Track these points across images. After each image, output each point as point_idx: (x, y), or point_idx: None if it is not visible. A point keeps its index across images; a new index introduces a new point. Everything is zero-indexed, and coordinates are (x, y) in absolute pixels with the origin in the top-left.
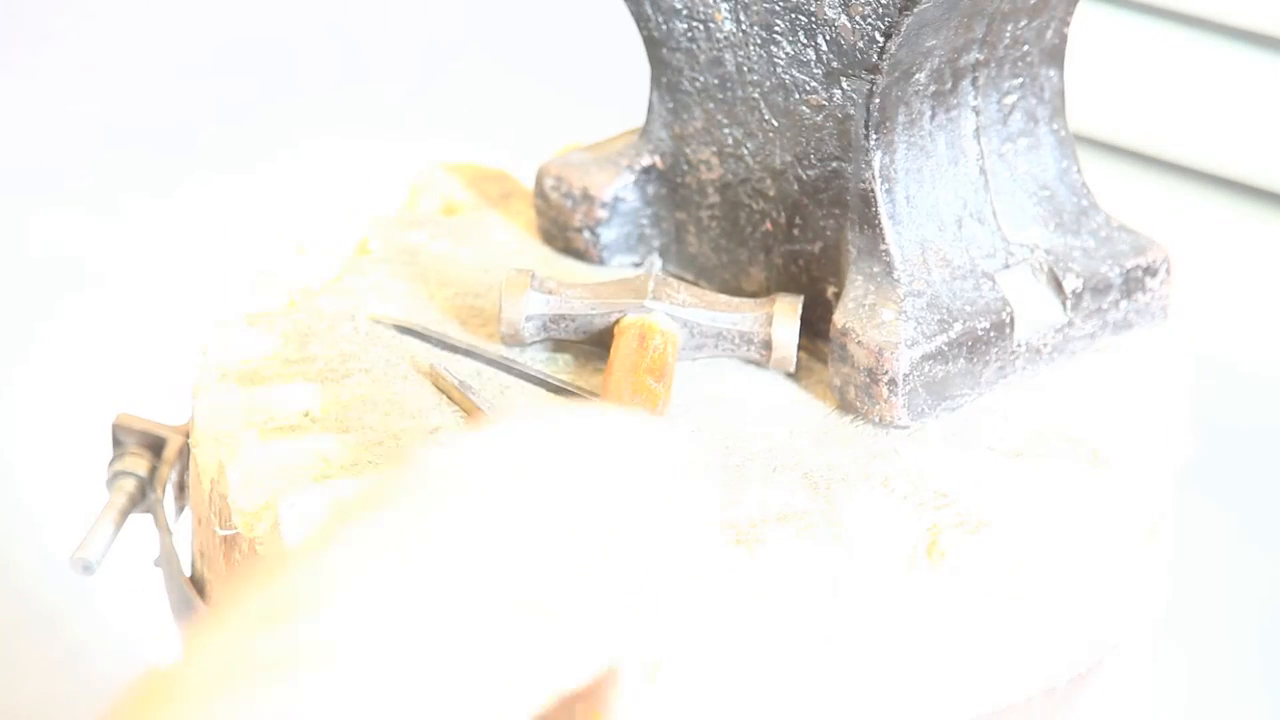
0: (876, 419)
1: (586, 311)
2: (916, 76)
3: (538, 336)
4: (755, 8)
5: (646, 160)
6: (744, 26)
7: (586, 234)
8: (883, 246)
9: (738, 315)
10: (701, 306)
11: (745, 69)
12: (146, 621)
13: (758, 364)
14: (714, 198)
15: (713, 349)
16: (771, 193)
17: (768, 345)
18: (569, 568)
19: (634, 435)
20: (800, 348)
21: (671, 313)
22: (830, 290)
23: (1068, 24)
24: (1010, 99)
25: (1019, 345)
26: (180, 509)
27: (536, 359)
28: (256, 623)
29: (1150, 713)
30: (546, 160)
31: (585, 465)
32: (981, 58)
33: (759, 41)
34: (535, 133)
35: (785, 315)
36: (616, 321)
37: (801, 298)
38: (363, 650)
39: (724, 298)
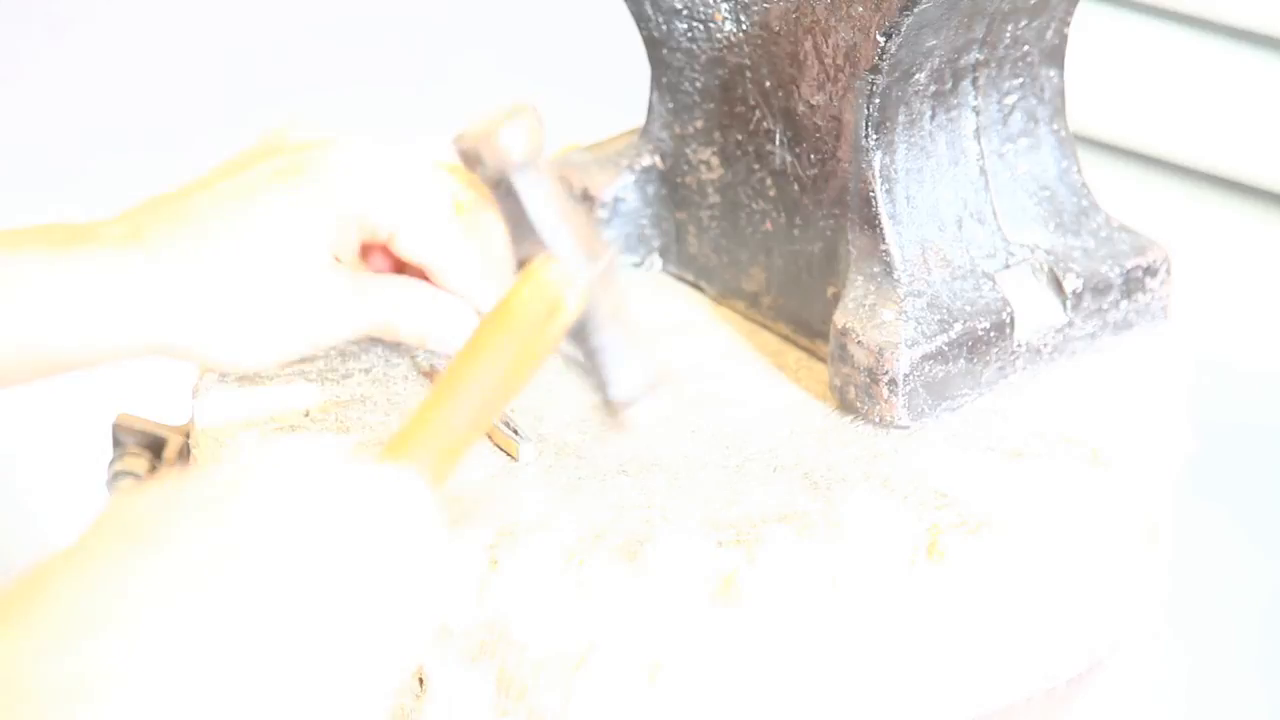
0: (876, 419)
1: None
2: (916, 76)
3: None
4: (755, 8)
5: (646, 160)
6: (744, 27)
7: None
8: (883, 246)
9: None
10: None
11: (745, 69)
12: None
13: None
14: (714, 198)
15: None
16: (772, 193)
17: None
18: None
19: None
20: (800, 348)
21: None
22: (830, 290)
23: (1068, 24)
24: (1010, 99)
25: (1019, 345)
26: None
27: None
28: (42, 645)
29: (1150, 713)
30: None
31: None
32: (981, 58)
33: (759, 42)
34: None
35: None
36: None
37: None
38: (161, 671)
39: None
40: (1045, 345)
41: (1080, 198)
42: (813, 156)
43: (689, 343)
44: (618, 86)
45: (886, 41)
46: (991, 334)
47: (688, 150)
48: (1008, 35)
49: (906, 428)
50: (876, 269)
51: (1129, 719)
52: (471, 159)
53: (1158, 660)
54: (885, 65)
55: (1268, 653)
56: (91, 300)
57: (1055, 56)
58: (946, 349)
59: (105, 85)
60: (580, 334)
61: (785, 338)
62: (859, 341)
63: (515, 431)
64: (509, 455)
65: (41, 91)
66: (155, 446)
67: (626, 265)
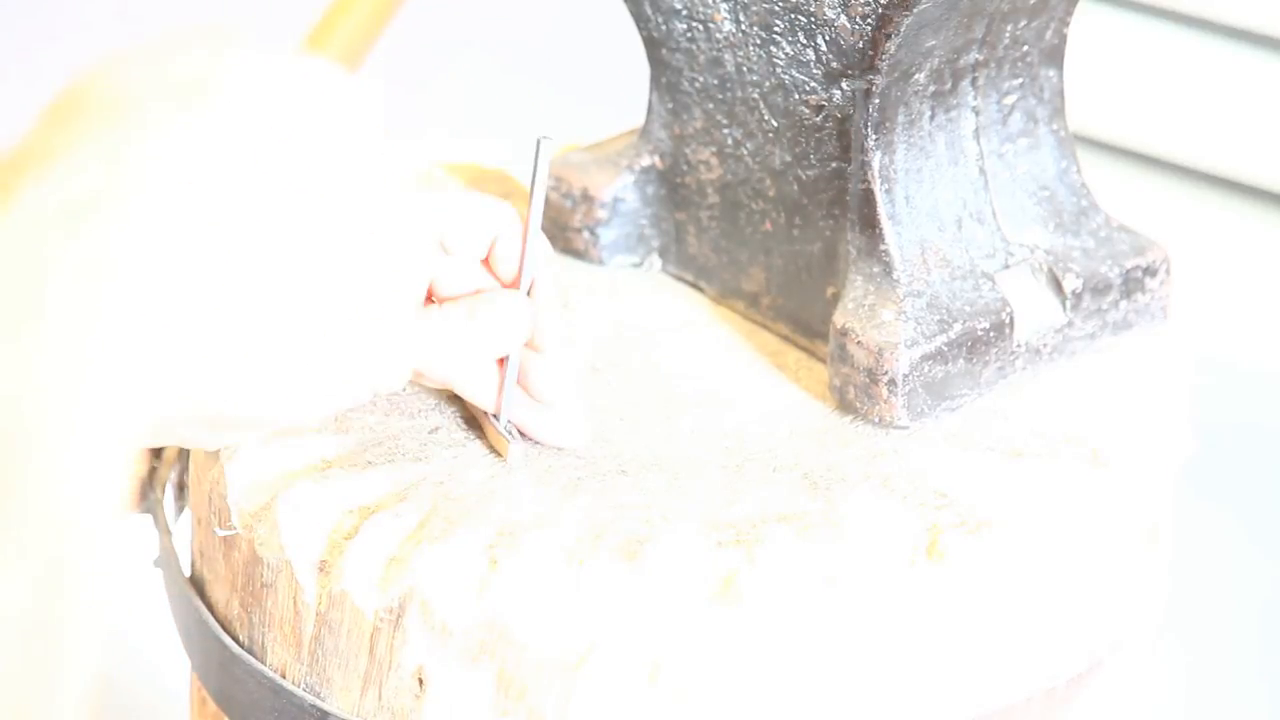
0: (876, 419)
1: None
2: (916, 77)
3: None
4: (755, 8)
5: (646, 160)
6: (743, 27)
7: (586, 234)
8: (883, 247)
9: None
10: None
11: (745, 69)
12: (146, 621)
13: None
14: (714, 198)
15: None
16: (771, 193)
17: None
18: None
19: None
20: (800, 348)
21: None
22: (830, 290)
23: (1068, 24)
24: (1010, 99)
25: (1019, 345)
26: (180, 509)
27: None
28: (50, 226)
29: (1150, 713)
30: None
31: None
32: (981, 58)
33: (758, 42)
34: (535, 133)
35: None
36: None
37: None
38: (172, 245)
39: None
40: (1045, 345)
41: (1080, 198)
42: (813, 156)
43: (689, 343)
44: (618, 86)
45: (886, 41)
46: (991, 334)
47: (687, 150)
48: (1007, 35)
49: (906, 428)
50: (876, 269)
51: (1129, 719)
52: None
53: (1158, 660)
54: (885, 65)
55: (1268, 653)
56: None
57: (1055, 56)
58: (946, 349)
59: None
60: None
61: (785, 338)
62: (858, 341)
63: (508, 432)
64: (498, 455)
65: (40, 91)
66: (155, 446)
67: (626, 265)
